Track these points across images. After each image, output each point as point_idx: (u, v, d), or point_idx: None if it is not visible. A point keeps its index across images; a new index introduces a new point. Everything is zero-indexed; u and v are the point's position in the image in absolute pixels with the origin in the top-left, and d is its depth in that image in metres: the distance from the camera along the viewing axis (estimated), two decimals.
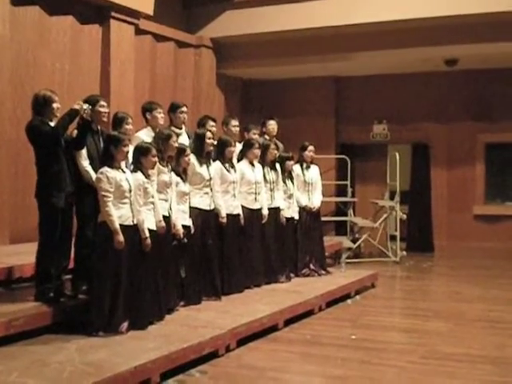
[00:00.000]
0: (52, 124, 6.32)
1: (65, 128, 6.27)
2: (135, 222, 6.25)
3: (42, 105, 6.32)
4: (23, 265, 7.09)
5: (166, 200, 6.86)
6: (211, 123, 8.28)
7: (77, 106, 6.27)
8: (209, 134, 7.71)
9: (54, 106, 6.39)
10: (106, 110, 6.86)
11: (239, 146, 8.65)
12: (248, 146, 8.58)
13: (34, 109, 6.38)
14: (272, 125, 9.56)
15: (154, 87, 12.08)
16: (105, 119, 6.88)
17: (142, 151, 6.44)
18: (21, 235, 8.90)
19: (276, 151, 8.99)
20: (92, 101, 6.64)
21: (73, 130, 6.51)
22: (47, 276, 6.29)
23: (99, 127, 6.78)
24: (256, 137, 9.00)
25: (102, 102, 6.81)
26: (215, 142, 7.87)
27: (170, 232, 6.89)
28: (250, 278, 8.37)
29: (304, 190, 9.61)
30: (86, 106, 6.30)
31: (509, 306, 8.59)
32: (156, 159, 6.50)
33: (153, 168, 6.52)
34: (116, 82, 10.63)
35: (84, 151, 6.57)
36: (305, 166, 9.67)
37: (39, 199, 6.32)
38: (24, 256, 7.42)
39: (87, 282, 6.51)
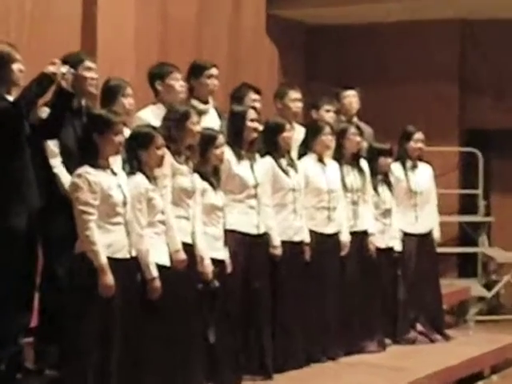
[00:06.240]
0: (11, 98, 5.21)
1: (31, 104, 5.20)
2: (134, 254, 4.91)
3: None
4: None
5: (187, 218, 5.50)
6: (253, 96, 6.81)
7: (51, 69, 5.18)
8: (252, 113, 6.13)
9: (15, 68, 5.24)
10: (94, 76, 5.72)
11: (302, 132, 6.98)
12: (314, 131, 6.84)
13: None
14: (349, 97, 7.77)
15: (167, 40, 9.99)
16: (92, 89, 5.71)
17: (139, 141, 5.17)
18: None
19: (359, 138, 7.15)
20: (72, 61, 5.52)
21: (40, 107, 5.39)
22: None
23: (82, 102, 5.61)
24: (330, 115, 7.27)
25: (88, 63, 5.66)
26: (261, 127, 6.25)
27: (194, 270, 5.52)
28: (319, 346, 6.72)
29: (408, 203, 7.67)
30: (65, 70, 5.28)
31: None
32: (163, 152, 5.21)
33: (160, 166, 5.22)
34: (106, 33, 8.77)
35: (52, 142, 5.41)
36: (409, 165, 7.76)
37: None
38: None
39: (59, 349, 5.21)
